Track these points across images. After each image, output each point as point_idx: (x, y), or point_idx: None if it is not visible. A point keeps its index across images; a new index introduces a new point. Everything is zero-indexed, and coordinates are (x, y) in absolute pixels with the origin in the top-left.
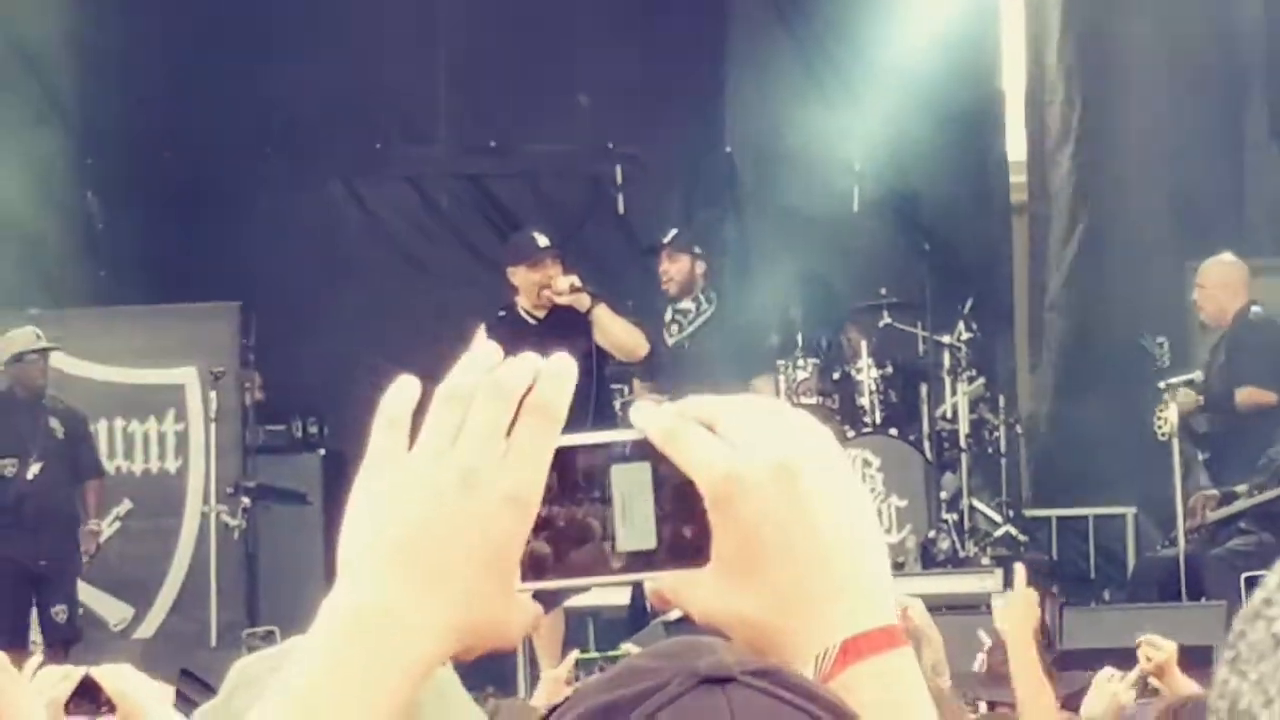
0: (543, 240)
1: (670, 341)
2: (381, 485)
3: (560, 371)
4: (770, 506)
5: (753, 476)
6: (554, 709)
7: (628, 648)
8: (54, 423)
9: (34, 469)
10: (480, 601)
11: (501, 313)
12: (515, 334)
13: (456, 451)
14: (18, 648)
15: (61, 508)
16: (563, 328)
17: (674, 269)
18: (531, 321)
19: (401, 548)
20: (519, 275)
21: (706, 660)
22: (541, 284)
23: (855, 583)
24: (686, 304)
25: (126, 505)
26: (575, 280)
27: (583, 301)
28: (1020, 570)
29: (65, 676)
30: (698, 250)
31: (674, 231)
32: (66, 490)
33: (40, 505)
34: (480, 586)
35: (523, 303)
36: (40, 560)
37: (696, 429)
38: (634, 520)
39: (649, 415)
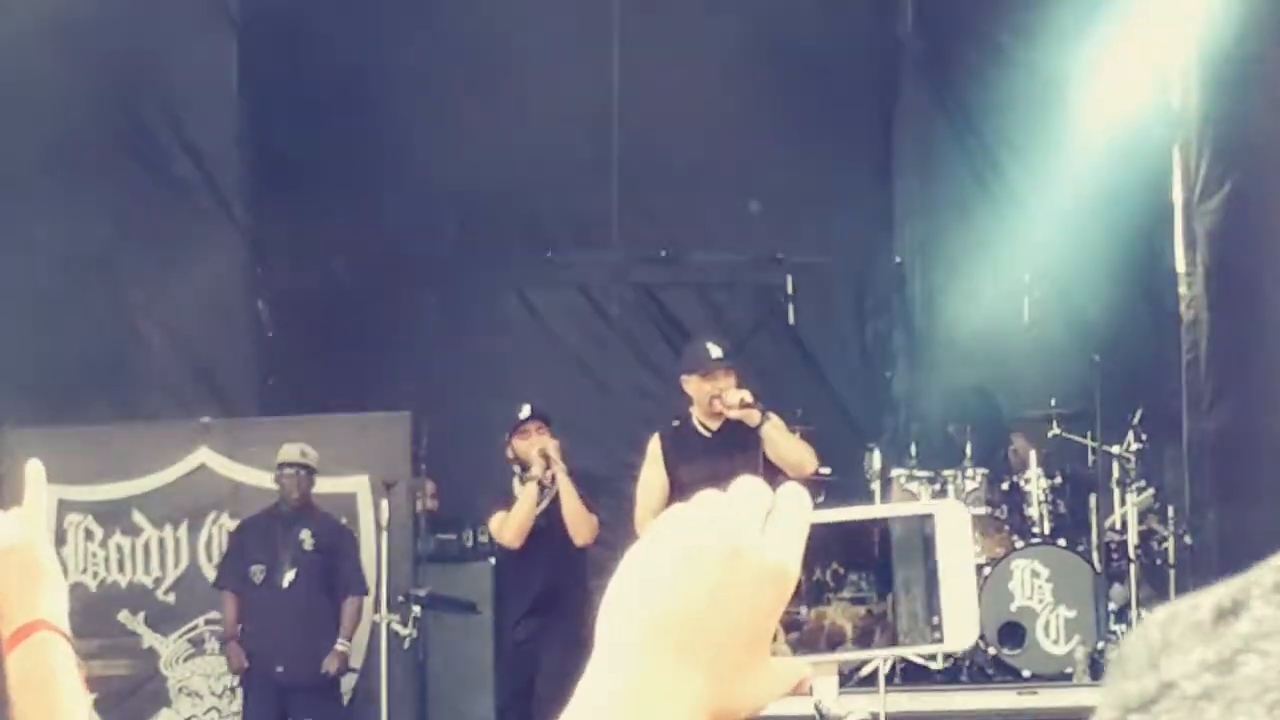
0: (716, 351)
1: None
2: (647, 558)
3: (802, 489)
4: None
5: None
6: None
7: None
8: (304, 534)
9: (287, 577)
10: (737, 674)
11: (676, 423)
12: (688, 445)
13: (721, 528)
14: None
15: (306, 620)
16: (735, 441)
17: (538, 442)
18: (705, 434)
19: (666, 621)
20: (692, 385)
21: None
22: (713, 394)
23: None
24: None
25: None
26: (747, 395)
27: (753, 418)
28: None
29: None
30: (548, 422)
31: (528, 408)
32: (313, 603)
33: (283, 615)
34: (739, 659)
35: (696, 414)
36: (278, 668)
37: None
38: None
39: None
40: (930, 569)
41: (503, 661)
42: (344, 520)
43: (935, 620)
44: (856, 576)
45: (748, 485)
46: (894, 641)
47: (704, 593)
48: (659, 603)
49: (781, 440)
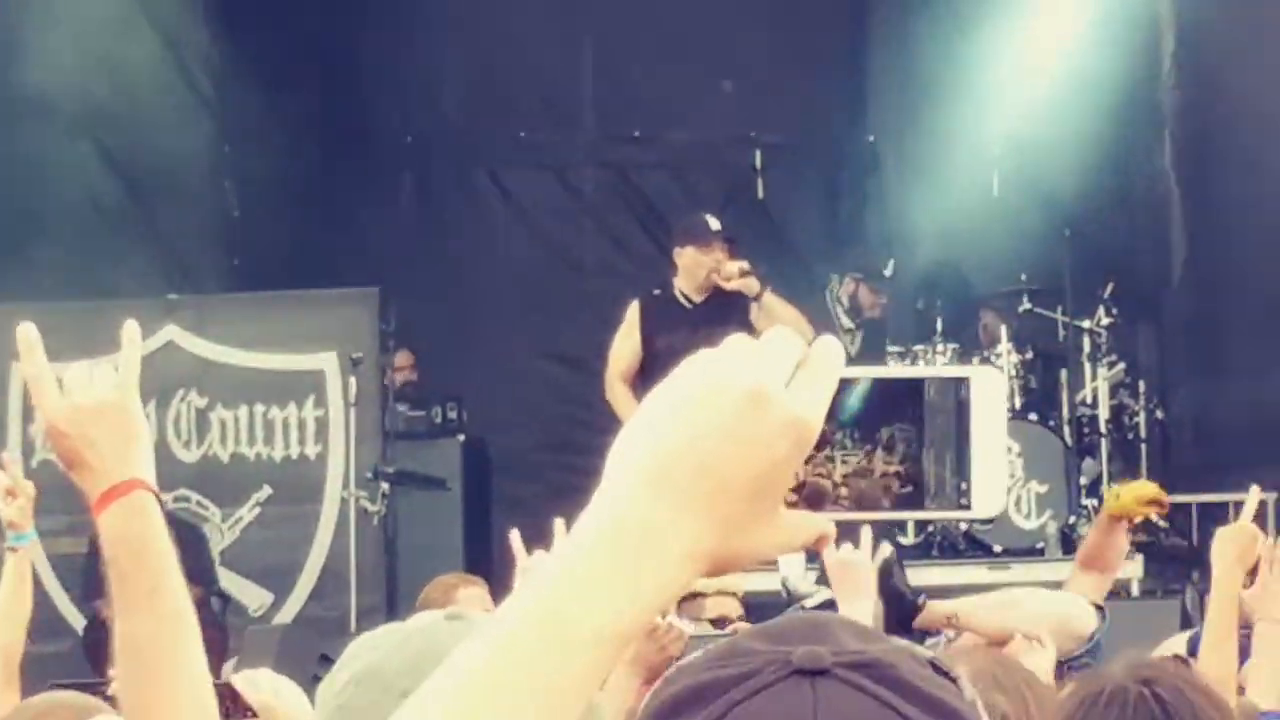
0: (715, 224)
1: None
2: (665, 396)
3: (838, 344)
4: None
5: None
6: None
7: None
8: None
9: None
10: (741, 522)
11: (656, 291)
12: (669, 314)
13: (745, 373)
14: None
15: None
16: (718, 314)
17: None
18: (687, 305)
19: (668, 461)
20: (686, 256)
21: (803, 650)
22: (710, 267)
23: None
24: None
25: (266, 491)
26: (745, 265)
27: (752, 286)
28: (1252, 498)
29: None
30: None
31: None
32: None
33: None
34: (744, 507)
35: (680, 284)
36: None
37: None
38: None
39: None
40: (962, 434)
41: None
42: (189, 518)
43: (964, 487)
44: (842, 434)
45: (780, 334)
46: (920, 505)
47: (714, 435)
48: (664, 441)
49: (780, 309)
